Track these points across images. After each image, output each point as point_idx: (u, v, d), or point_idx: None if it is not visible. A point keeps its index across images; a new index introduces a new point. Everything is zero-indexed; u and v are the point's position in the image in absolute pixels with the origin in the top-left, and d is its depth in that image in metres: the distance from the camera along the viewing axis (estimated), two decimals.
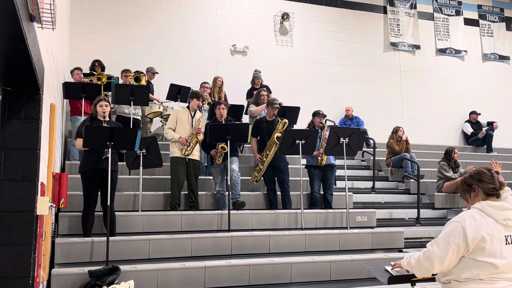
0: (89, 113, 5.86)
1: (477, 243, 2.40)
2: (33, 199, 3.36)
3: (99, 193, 5.51)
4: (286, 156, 6.97)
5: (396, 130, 9.41)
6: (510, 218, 2.46)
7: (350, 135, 6.68)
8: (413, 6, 12.86)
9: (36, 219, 3.40)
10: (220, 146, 6.48)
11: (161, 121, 9.09)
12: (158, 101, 8.69)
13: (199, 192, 6.56)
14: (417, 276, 2.65)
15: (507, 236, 2.45)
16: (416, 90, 12.56)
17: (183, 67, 10.67)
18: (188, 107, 6.73)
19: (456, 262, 2.47)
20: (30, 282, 3.31)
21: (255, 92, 8.72)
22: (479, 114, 12.39)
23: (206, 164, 7.52)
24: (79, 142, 5.47)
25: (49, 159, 4.26)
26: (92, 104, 5.83)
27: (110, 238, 5.17)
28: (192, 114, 6.63)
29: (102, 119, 5.54)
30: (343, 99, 11.70)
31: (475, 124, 12.34)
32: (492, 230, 2.43)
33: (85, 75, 8.32)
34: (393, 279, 3.26)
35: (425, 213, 8.05)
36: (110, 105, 5.80)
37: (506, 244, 2.43)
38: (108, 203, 5.22)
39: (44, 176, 3.93)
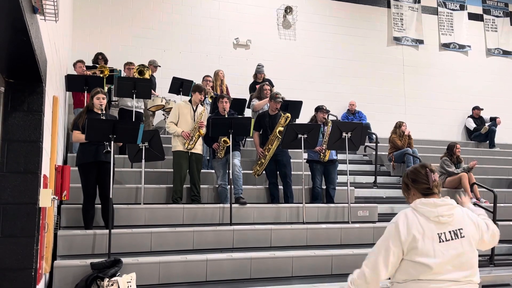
0: None
1: (410, 243, 2.30)
2: (36, 191, 3.37)
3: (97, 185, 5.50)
4: (288, 150, 6.96)
5: (398, 125, 9.39)
6: (442, 214, 2.33)
7: (353, 129, 6.67)
8: (417, 1, 12.79)
9: (38, 211, 3.41)
10: (222, 139, 6.48)
11: (163, 114, 9.08)
12: (157, 96, 8.66)
13: (201, 186, 6.57)
14: None
15: (440, 233, 2.32)
16: (419, 85, 12.52)
17: (186, 60, 10.65)
18: (190, 101, 6.71)
19: (398, 265, 2.36)
20: (33, 273, 3.33)
21: (257, 86, 8.70)
22: (482, 109, 12.35)
23: (208, 158, 7.52)
24: (75, 134, 5.44)
25: (52, 151, 4.27)
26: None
27: (112, 230, 5.18)
28: (194, 108, 6.62)
29: (99, 112, 5.53)
30: (345, 94, 11.68)
31: (478, 120, 12.31)
32: (423, 228, 2.31)
33: (88, 67, 8.31)
34: None
35: None
36: (106, 97, 5.77)
37: (440, 242, 2.30)
38: (110, 196, 5.22)
39: (46, 169, 3.94)
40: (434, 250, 2.28)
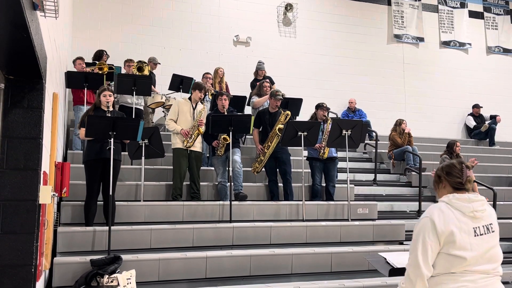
0: (92, 103, 5.85)
1: (447, 237, 2.37)
2: (36, 188, 3.38)
3: (101, 182, 5.52)
4: (288, 147, 6.96)
5: (399, 123, 9.39)
6: (477, 209, 2.44)
7: (353, 127, 6.66)
8: None
9: (38, 208, 3.42)
10: (222, 137, 6.48)
11: (163, 111, 9.08)
12: (157, 93, 8.66)
13: (201, 183, 6.57)
14: None
15: (475, 228, 2.42)
16: (419, 83, 12.52)
17: (186, 57, 10.64)
18: (190, 99, 6.71)
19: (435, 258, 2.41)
20: (33, 270, 3.33)
21: (258, 83, 8.70)
22: (482, 107, 12.35)
23: (208, 155, 7.52)
24: (82, 132, 5.47)
25: (52, 148, 4.27)
26: (96, 93, 5.82)
27: (112, 227, 5.19)
28: (194, 106, 6.62)
29: (106, 109, 5.54)
30: (345, 91, 11.67)
31: (478, 118, 12.30)
32: (460, 223, 2.40)
33: (87, 64, 8.30)
34: (394, 271, 3.27)
35: (427, 206, 8.00)
36: (114, 94, 5.78)
37: (475, 236, 2.41)
38: (110, 193, 5.23)
39: (46, 165, 3.94)
40: (470, 244, 2.38)
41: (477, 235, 2.41)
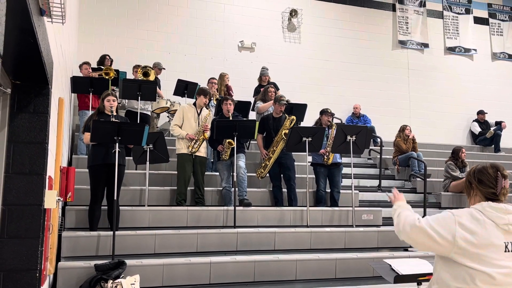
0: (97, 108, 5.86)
1: (470, 246, 2.10)
2: (41, 192, 3.38)
3: (105, 187, 5.53)
4: (292, 153, 6.96)
5: (403, 129, 9.37)
6: None
7: (357, 133, 6.66)
8: (422, 4, 12.78)
9: (43, 212, 3.42)
10: (227, 141, 6.48)
11: (168, 116, 9.09)
12: (162, 97, 8.68)
13: (205, 188, 6.57)
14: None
15: (507, 243, 2.12)
16: (424, 89, 12.50)
17: (191, 62, 10.67)
18: (194, 104, 6.72)
19: (420, 249, 2.22)
20: (37, 275, 3.33)
21: (262, 89, 8.70)
22: (486, 113, 12.31)
23: (212, 160, 7.53)
24: (87, 136, 5.49)
25: (57, 153, 4.28)
26: (100, 98, 5.85)
27: (116, 232, 5.19)
28: (199, 111, 6.63)
29: (110, 114, 5.56)
30: (350, 97, 11.66)
31: (483, 124, 12.26)
32: (490, 234, 2.11)
33: (93, 69, 8.34)
34: (399, 279, 3.25)
35: (432, 212, 8.00)
36: (117, 99, 5.81)
37: (506, 251, 2.11)
38: (115, 198, 5.24)
39: (51, 170, 3.95)
40: (499, 259, 2.10)
41: (508, 251, 2.12)
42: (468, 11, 13.18)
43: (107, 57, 8.88)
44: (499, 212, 2.15)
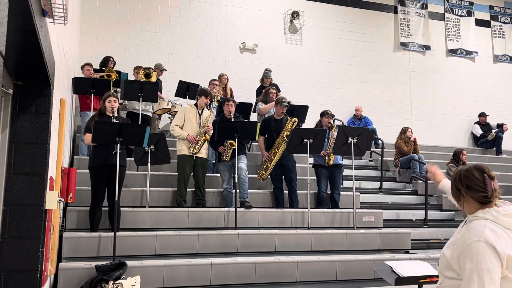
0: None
1: (506, 261, 1.99)
2: (42, 193, 3.39)
3: (106, 188, 5.53)
4: (294, 155, 6.96)
5: (404, 131, 9.37)
6: None
7: (359, 135, 6.65)
8: (424, 6, 12.78)
9: (44, 213, 3.43)
10: (228, 142, 6.48)
11: (169, 117, 9.10)
12: (163, 99, 8.69)
13: (206, 190, 6.57)
14: None
15: None
16: (425, 91, 12.49)
17: (192, 64, 10.69)
18: (195, 105, 6.73)
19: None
20: (38, 275, 3.34)
21: (264, 90, 8.71)
22: (488, 115, 12.30)
23: (213, 162, 7.53)
24: (88, 137, 5.50)
25: (58, 153, 4.29)
26: (101, 99, 5.86)
27: (117, 233, 5.19)
28: (200, 112, 6.63)
29: (111, 115, 5.56)
30: (351, 99, 11.67)
31: (485, 126, 12.25)
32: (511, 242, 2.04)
33: (95, 70, 8.35)
34: (400, 281, 3.25)
35: (433, 214, 8.01)
36: (118, 100, 5.82)
37: None
38: (116, 199, 5.24)
39: (53, 171, 3.95)
40: None
41: None
42: (470, 14, 13.18)
43: (111, 59, 8.88)
44: None
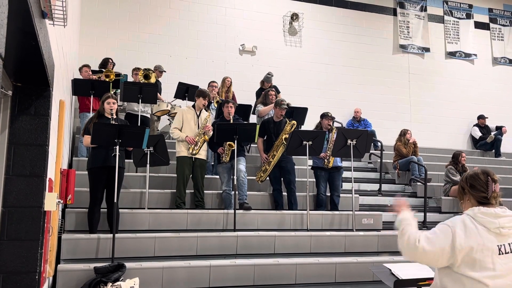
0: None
1: (466, 253, 2.22)
2: (41, 194, 3.38)
3: (105, 189, 5.53)
4: (293, 157, 6.96)
5: (403, 133, 9.37)
6: (503, 226, 2.26)
7: (358, 137, 6.66)
8: (424, 9, 12.80)
9: (43, 214, 3.42)
10: (227, 143, 6.48)
11: (168, 119, 9.10)
12: (163, 101, 8.69)
13: (205, 191, 6.56)
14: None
15: (500, 245, 2.25)
16: (424, 93, 12.50)
17: (192, 66, 10.69)
18: (193, 106, 6.73)
19: (423, 264, 2.36)
20: (37, 277, 3.33)
21: (263, 92, 8.71)
22: (487, 118, 12.31)
23: (212, 163, 7.53)
24: (86, 139, 5.49)
25: (57, 155, 4.28)
26: (100, 101, 5.85)
27: (116, 235, 5.19)
28: (198, 113, 6.63)
29: (110, 116, 5.56)
30: (351, 101, 11.67)
31: (484, 128, 12.26)
32: (483, 239, 2.24)
33: (94, 72, 8.35)
34: (399, 283, 3.24)
35: (432, 216, 8.00)
36: (117, 102, 5.81)
37: (500, 254, 2.24)
38: (115, 200, 5.23)
39: (52, 172, 3.95)
40: (493, 262, 2.23)
41: (502, 253, 2.24)
42: (469, 16, 13.21)
43: (110, 60, 8.88)
44: (489, 217, 2.29)
